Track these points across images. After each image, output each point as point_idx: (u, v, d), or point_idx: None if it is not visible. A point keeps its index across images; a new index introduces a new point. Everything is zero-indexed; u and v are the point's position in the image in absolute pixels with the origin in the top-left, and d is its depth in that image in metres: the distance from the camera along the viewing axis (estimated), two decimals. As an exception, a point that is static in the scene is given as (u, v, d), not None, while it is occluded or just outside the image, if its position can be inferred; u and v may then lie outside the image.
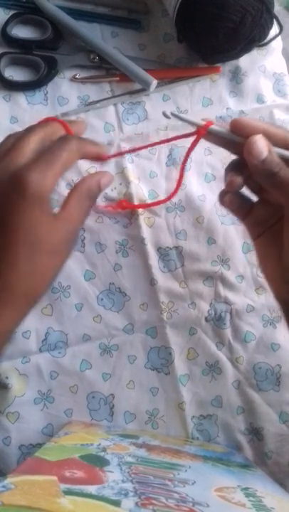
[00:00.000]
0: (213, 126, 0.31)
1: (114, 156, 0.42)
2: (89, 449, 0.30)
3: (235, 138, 0.30)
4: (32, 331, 0.42)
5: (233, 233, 0.44)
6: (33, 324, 0.42)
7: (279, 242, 0.31)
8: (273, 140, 0.29)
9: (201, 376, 0.42)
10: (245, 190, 0.34)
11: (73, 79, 0.47)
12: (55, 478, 0.22)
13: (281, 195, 0.30)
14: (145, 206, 0.44)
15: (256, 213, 0.34)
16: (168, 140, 0.36)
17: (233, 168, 0.33)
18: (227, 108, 0.48)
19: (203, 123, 0.31)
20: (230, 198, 0.34)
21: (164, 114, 0.31)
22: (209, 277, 0.44)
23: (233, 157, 0.33)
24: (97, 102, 0.47)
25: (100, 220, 0.44)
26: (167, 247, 0.44)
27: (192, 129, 0.32)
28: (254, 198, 0.35)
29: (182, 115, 0.31)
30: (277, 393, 0.41)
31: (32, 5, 0.47)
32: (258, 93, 0.48)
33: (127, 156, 0.46)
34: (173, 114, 0.31)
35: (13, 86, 0.47)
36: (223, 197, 0.35)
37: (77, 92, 0.47)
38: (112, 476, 0.24)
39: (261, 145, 0.29)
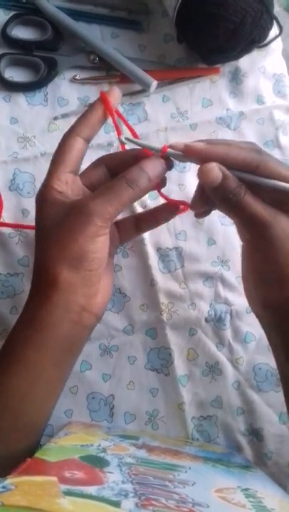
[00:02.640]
0: (170, 151, 0.30)
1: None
2: (89, 449, 0.30)
3: (194, 161, 0.30)
4: (32, 331, 0.42)
5: (233, 234, 0.44)
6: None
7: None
8: (233, 163, 0.28)
9: (201, 377, 0.42)
10: None
11: (73, 80, 0.48)
12: (55, 478, 0.22)
13: (238, 221, 0.31)
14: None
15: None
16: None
17: (199, 192, 0.34)
18: (227, 109, 0.48)
19: (160, 147, 0.30)
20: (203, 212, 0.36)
21: (120, 140, 0.31)
22: (209, 278, 0.44)
23: None
24: (97, 102, 0.47)
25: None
26: (167, 248, 0.44)
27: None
28: None
29: (139, 141, 0.31)
30: (277, 394, 0.41)
31: (32, 6, 0.47)
32: (257, 94, 0.48)
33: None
34: (127, 139, 0.31)
35: (13, 87, 0.47)
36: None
37: (77, 93, 0.47)
38: (112, 476, 0.24)
39: (212, 174, 0.28)
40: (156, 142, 0.46)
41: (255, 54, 0.49)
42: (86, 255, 0.29)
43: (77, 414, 0.41)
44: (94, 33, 0.48)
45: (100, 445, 0.31)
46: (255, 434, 0.41)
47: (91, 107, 0.32)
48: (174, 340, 0.42)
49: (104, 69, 0.48)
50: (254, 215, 0.28)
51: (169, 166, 0.32)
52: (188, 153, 0.29)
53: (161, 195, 0.35)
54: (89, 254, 0.29)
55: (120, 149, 0.46)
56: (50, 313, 0.30)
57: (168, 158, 0.31)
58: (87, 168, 0.34)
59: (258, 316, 0.34)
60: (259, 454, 0.40)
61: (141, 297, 0.43)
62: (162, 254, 0.44)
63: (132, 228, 0.38)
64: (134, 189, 0.29)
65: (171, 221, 0.44)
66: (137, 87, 0.47)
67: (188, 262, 0.44)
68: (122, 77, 0.47)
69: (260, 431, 0.41)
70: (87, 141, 0.32)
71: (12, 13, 0.48)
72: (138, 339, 0.42)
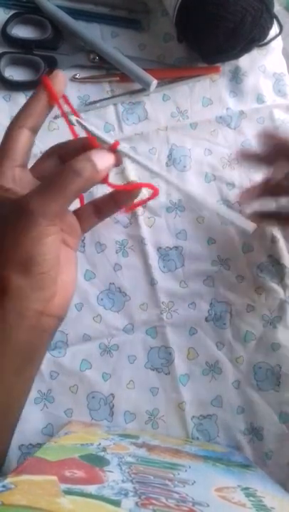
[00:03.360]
0: (121, 148, 0.29)
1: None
2: (89, 448, 0.30)
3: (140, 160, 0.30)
4: (32, 330, 0.42)
5: (233, 233, 0.44)
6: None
7: None
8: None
9: (201, 376, 0.42)
10: None
11: (73, 79, 0.47)
12: (55, 478, 0.22)
13: None
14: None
15: None
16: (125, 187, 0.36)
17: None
18: (227, 108, 0.48)
19: (111, 141, 0.30)
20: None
21: (70, 121, 0.30)
22: (209, 277, 0.44)
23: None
24: (97, 102, 0.47)
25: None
26: (167, 247, 0.44)
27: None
28: None
29: (91, 128, 0.30)
30: (277, 393, 0.41)
31: (32, 5, 0.47)
32: (257, 93, 0.48)
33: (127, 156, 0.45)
34: (79, 122, 0.30)
35: (13, 86, 0.47)
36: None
37: (77, 92, 0.47)
38: (112, 476, 0.24)
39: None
40: (157, 142, 0.46)
41: (255, 53, 0.49)
42: (34, 259, 0.27)
43: (77, 413, 0.41)
44: (94, 32, 0.48)
45: (100, 444, 0.31)
46: (255, 433, 0.41)
47: (34, 94, 0.29)
48: (174, 340, 0.42)
49: (104, 68, 0.48)
50: None
51: (118, 162, 0.30)
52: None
53: (113, 186, 0.32)
54: (37, 258, 0.27)
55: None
56: (4, 321, 0.27)
57: (116, 153, 0.30)
58: (37, 160, 0.32)
59: None
60: (259, 453, 0.40)
61: (141, 296, 0.43)
62: (162, 253, 0.44)
63: (92, 215, 0.36)
64: (80, 180, 0.27)
65: (172, 220, 0.45)
66: (137, 86, 0.47)
67: (188, 261, 0.44)
68: (122, 76, 0.47)
69: (260, 430, 0.41)
70: (34, 131, 0.30)
71: (12, 12, 0.48)
72: (138, 338, 0.42)
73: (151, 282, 0.43)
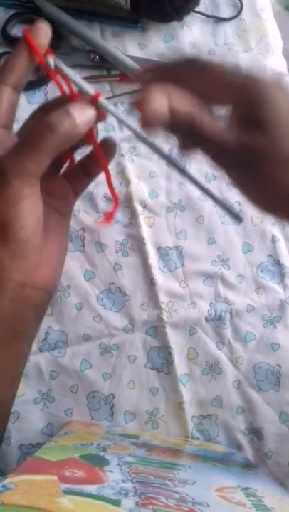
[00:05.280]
0: (102, 100, 0.27)
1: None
2: (89, 448, 0.30)
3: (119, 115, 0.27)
4: (32, 330, 0.42)
5: (233, 233, 0.44)
6: (33, 324, 0.42)
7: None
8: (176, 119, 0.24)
9: (201, 376, 0.42)
10: None
11: (73, 79, 0.47)
12: (55, 477, 0.22)
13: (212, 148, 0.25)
14: None
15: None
16: None
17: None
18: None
19: (92, 91, 0.27)
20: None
21: (47, 63, 0.27)
22: (209, 277, 0.44)
23: None
24: (97, 101, 0.47)
25: (100, 219, 0.44)
26: (167, 247, 0.44)
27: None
28: None
29: (71, 74, 0.27)
30: (277, 393, 0.41)
31: (32, 5, 0.47)
32: (258, 93, 0.48)
33: (127, 156, 0.45)
34: (57, 66, 0.27)
35: (13, 86, 0.47)
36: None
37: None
38: (112, 475, 0.24)
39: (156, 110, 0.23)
40: (157, 142, 0.46)
41: (255, 53, 0.49)
42: (10, 224, 0.25)
43: (77, 413, 0.41)
44: (94, 32, 0.48)
45: (100, 444, 0.31)
46: (256, 433, 0.41)
47: (14, 50, 0.26)
48: (174, 339, 0.42)
49: (104, 68, 0.48)
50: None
51: (101, 117, 0.27)
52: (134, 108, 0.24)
53: (94, 144, 0.29)
54: (13, 222, 0.25)
55: (118, 150, 0.46)
56: None
57: (99, 107, 0.27)
58: (24, 122, 0.30)
59: (270, 211, 0.28)
60: (259, 453, 0.40)
61: (141, 296, 0.43)
62: (162, 253, 0.44)
63: (81, 175, 0.33)
64: (56, 135, 0.24)
65: (172, 220, 0.45)
66: (137, 85, 0.47)
67: (188, 261, 0.44)
68: (122, 76, 0.47)
69: (260, 430, 0.41)
70: (17, 89, 0.27)
71: (12, 11, 0.48)
72: (138, 338, 0.42)
73: (151, 282, 0.43)
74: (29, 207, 0.25)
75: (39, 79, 0.46)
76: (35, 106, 0.46)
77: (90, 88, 0.27)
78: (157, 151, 0.28)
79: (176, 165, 0.28)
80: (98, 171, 0.33)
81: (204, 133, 0.24)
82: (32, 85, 0.47)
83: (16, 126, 0.46)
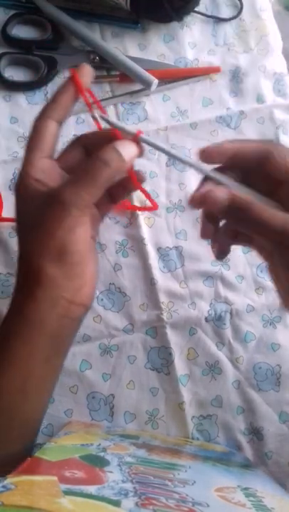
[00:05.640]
0: (143, 136, 0.30)
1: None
2: (89, 449, 0.30)
3: (167, 149, 0.30)
4: (32, 331, 0.42)
5: (233, 233, 0.44)
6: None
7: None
8: (246, 157, 0.28)
9: (201, 376, 0.42)
10: None
11: (73, 79, 0.47)
12: (55, 478, 0.22)
13: (261, 235, 0.27)
14: (141, 209, 0.44)
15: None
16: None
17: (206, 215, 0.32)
18: (227, 108, 0.48)
19: (134, 131, 0.30)
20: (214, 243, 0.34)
21: (92, 116, 0.31)
22: (209, 277, 0.44)
23: None
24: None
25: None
26: (167, 247, 0.44)
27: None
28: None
29: (113, 121, 0.30)
30: (277, 393, 0.41)
31: (32, 5, 0.47)
32: (257, 93, 0.48)
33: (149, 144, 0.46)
34: (101, 117, 0.30)
35: (13, 86, 0.47)
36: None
37: (77, 92, 0.47)
38: (112, 476, 0.24)
39: (217, 194, 0.27)
40: (157, 142, 0.46)
41: (255, 53, 0.49)
42: (67, 249, 0.28)
43: (77, 413, 0.41)
44: (94, 32, 0.48)
45: (100, 444, 0.31)
46: (255, 433, 0.41)
47: (61, 87, 0.30)
48: (174, 340, 0.42)
49: (104, 68, 0.48)
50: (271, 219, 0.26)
51: (141, 152, 0.31)
52: (203, 157, 0.29)
53: (132, 176, 0.33)
54: (70, 248, 0.28)
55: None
56: (36, 310, 0.29)
57: (139, 143, 0.30)
58: (63, 151, 0.33)
59: None
60: (259, 453, 0.40)
61: (141, 296, 0.43)
62: (162, 253, 0.44)
63: (107, 200, 0.35)
64: (109, 170, 0.28)
65: (172, 220, 0.45)
66: (137, 86, 0.47)
67: (188, 261, 0.44)
68: (122, 76, 0.47)
69: (260, 430, 0.41)
70: (60, 123, 0.30)
71: (12, 12, 0.48)
72: (138, 338, 0.42)
73: (151, 282, 0.43)
74: (83, 233, 0.29)
75: (39, 79, 0.46)
76: (35, 106, 0.46)
77: (130, 128, 0.31)
78: (201, 171, 0.31)
79: (219, 180, 0.30)
80: (122, 197, 0.36)
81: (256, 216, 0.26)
82: (32, 86, 0.47)
83: (17, 127, 0.47)
